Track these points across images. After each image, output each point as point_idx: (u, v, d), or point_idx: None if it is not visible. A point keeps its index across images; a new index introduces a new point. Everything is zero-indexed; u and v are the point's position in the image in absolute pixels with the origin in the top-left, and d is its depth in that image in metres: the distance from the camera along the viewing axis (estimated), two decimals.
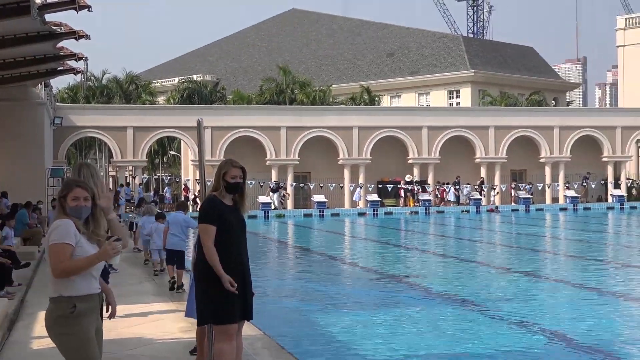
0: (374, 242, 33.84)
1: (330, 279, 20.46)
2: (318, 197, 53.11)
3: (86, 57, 29.70)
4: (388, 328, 13.58)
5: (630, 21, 78.96)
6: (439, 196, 57.32)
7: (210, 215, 7.75)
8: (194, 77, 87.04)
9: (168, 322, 12.70)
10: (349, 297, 17.43)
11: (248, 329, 10.85)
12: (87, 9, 22.34)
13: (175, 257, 17.29)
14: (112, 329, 11.14)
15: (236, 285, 7.62)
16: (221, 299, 7.64)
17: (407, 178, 56.75)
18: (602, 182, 60.54)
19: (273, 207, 52.40)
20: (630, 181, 63.04)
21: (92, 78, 71.77)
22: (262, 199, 51.99)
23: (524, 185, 58.96)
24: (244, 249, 7.87)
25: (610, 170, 60.99)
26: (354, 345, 12.27)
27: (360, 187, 55.82)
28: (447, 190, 57.02)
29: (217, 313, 7.67)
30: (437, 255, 27.01)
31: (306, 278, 21.15)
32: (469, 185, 57.35)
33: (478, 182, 57.81)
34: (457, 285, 18.78)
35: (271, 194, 53.64)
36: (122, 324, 12.16)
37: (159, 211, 22.57)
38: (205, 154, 51.02)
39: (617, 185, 60.56)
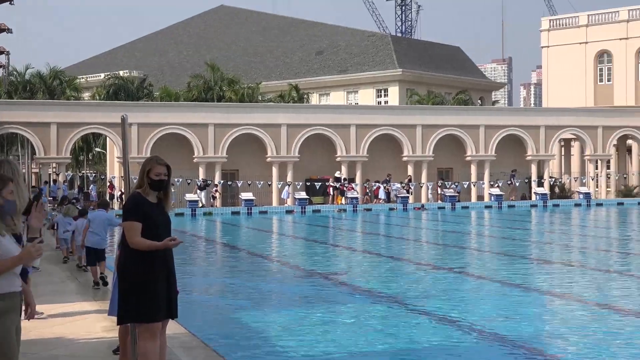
0: (302, 239, 33.86)
1: (258, 277, 20.39)
2: (246, 195, 52.93)
3: (8, 51, 29.10)
4: (316, 325, 13.57)
5: (554, 23, 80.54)
6: (371, 194, 57.67)
7: (135, 212, 7.67)
8: (121, 73, 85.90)
9: (91, 321, 12.49)
10: (276, 295, 17.40)
11: (173, 326, 10.73)
12: (8, 2, 21.86)
13: (96, 256, 17.14)
14: (33, 329, 10.91)
15: (176, 241, 7.62)
16: (145, 297, 7.56)
17: (337, 174, 56.95)
18: (526, 181, 61.62)
19: (200, 204, 52.04)
20: (553, 179, 64.30)
21: (15, 73, 70.27)
22: (189, 196, 51.59)
23: (450, 183, 59.68)
24: None
25: (534, 168, 62.12)
26: (281, 343, 12.23)
27: (289, 185, 55.83)
28: (375, 186, 57.41)
29: (140, 312, 7.58)
30: (365, 252, 27.14)
31: (233, 276, 21.05)
32: (397, 184, 57.79)
33: (406, 180, 58.31)
34: (384, 283, 18.89)
35: (198, 191, 53.27)
36: (43, 324, 11.92)
37: (80, 208, 22.33)
38: (131, 151, 50.44)
39: (540, 184, 61.73)
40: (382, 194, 57.24)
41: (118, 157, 53.78)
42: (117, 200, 50.30)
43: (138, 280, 7.56)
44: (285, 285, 19.08)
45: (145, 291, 7.54)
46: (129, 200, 7.83)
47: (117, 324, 8.18)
